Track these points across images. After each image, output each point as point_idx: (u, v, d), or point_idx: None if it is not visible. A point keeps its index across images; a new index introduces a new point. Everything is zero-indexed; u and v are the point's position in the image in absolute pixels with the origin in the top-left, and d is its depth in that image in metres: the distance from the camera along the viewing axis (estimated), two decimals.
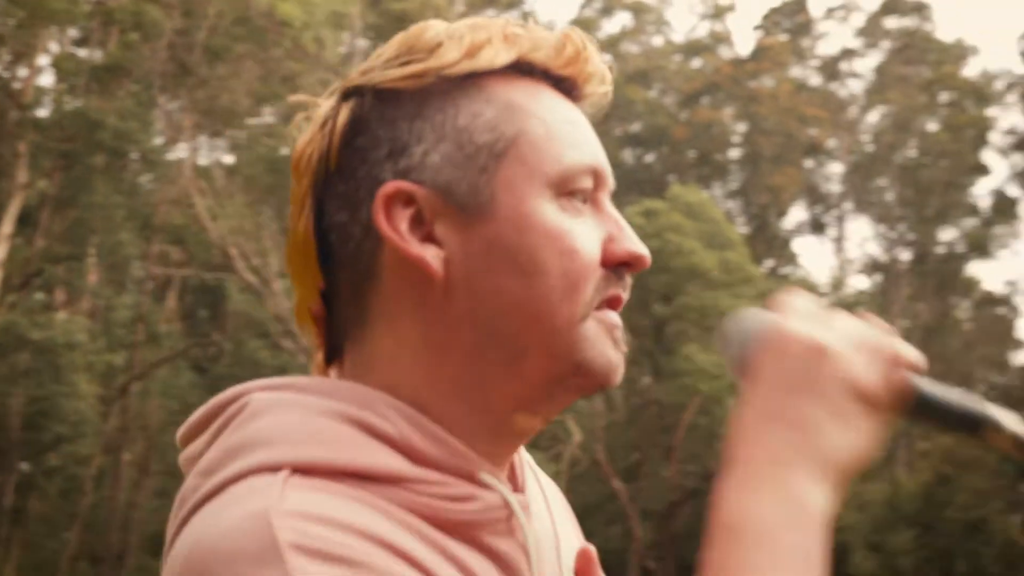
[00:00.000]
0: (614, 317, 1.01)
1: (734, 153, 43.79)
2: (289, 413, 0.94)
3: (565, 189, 0.99)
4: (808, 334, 0.92)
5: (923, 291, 40.62)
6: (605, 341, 0.99)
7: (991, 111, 40.07)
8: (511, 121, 1.00)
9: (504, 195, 0.98)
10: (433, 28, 1.01)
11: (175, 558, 0.89)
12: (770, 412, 0.91)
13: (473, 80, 1.00)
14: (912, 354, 0.93)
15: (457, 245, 0.97)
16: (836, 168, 45.08)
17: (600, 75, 1.06)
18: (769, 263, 42.59)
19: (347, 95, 1.02)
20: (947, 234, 40.34)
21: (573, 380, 0.99)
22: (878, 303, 41.07)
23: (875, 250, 43.62)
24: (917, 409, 0.93)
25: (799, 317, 0.94)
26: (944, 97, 41.73)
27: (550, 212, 0.98)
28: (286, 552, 0.82)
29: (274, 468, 0.90)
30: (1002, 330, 37.93)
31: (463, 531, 0.94)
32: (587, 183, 1.00)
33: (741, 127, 43.02)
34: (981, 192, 40.45)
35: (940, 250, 40.68)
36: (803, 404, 0.90)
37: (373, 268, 0.99)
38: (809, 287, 38.97)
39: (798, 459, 0.89)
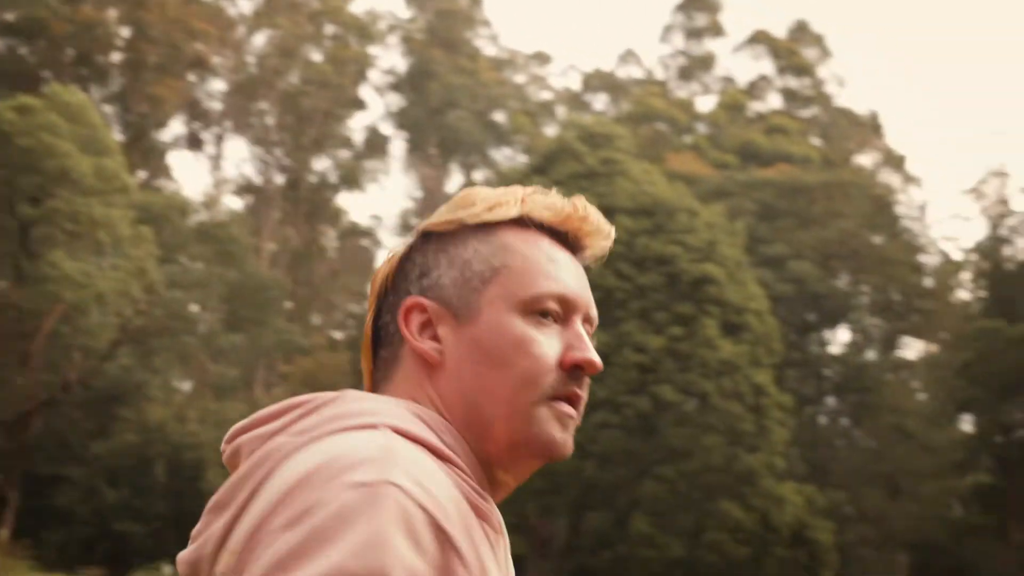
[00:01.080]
0: (567, 408, 1.44)
1: (116, 57, 45.16)
2: (379, 402, 1.40)
3: (534, 308, 1.44)
4: None
5: (294, 216, 44.63)
6: (553, 424, 1.43)
7: (373, 49, 45.03)
8: (500, 256, 1.46)
9: (487, 309, 1.44)
10: (476, 191, 1.52)
11: (291, 471, 1.28)
12: None
13: (487, 228, 1.48)
14: None
15: (451, 342, 1.44)
16: (219, 86, 47.83)
17: (599, 232, 1.53)
18: (143, 174, 44.62)
19: (414, 235, 1.52)
20: (321, 163, 44.53)
21: (525, 450, 1.43)
22: (249, 225, 44.55)
23: (250, 172, 47.06)
24: None
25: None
26: (330, 29, 45.95)
27: (519, 324, 1.43)
28: (393, 467, 1.25)
29: (375, 426, 1.33)
30: (365, 261, 43.10)
31: (480, 517, 1.35)
32: (553, 306, 1.45)
33: (126, 31, 44.49)
34: (356, 126, 45.29)
35: (313, 178, 44.89)
36: None
37: (398, 352, 1.48)
38: (182, 203, 41.60)
39: None
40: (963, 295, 53.87)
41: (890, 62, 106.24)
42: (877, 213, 47.98)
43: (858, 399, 44.78)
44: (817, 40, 58.85)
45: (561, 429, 1.45)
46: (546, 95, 53.51)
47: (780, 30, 61.95)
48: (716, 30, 59.53)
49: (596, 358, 1.46)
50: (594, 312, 1.51)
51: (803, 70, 58.72)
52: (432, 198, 40.56)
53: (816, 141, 56.24)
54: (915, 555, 42.75)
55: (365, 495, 1.21)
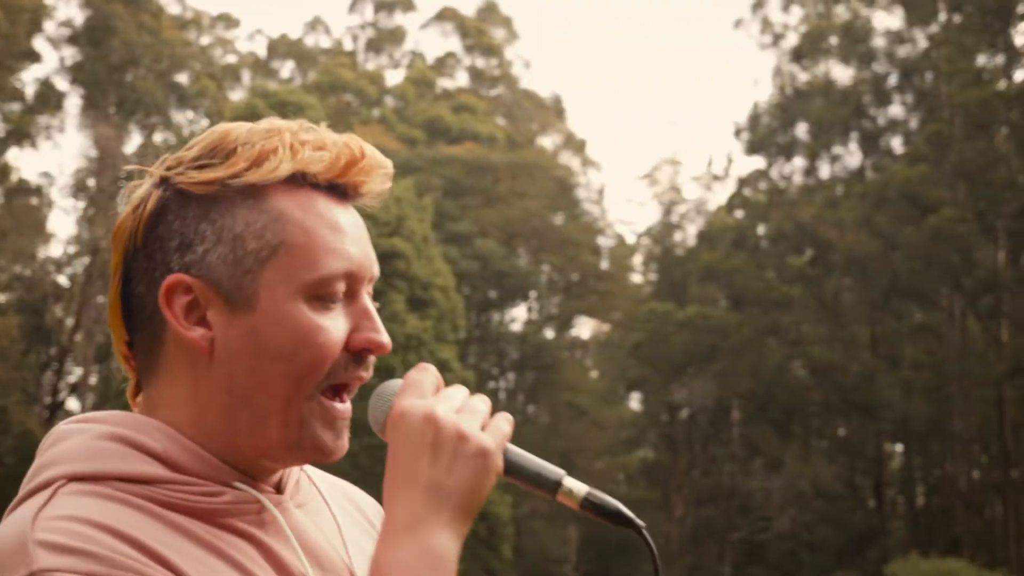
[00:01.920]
0: (338, 408, 1.37)
1: None
2: (75, 438, 1.32)
3: (317, 292, 1.32)
4: (421, 407, 1.28)
5: None
6: (324, 430, 1.36)
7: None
8: (276, 231, 1.31)
9: (264, 294, 1.31)
10: (233, 133, 1.35)
11: None
12: (403, 478, 1.27)
13: (254, 190, 1.32)
14: (504, 426, 1.33)
15: (222, 330, 1.32)
16: None
17: (379, 176, 1.39)
18: None
19: (160, 184, 1.36)
20: None
21: (297, 452, 1.36)
22: None
23: None
24: (507, 469, 1.33)
25: (415, 393, 1.31)
26: None
27: (302, 311, 1.31)
28: (33, 549, 1.19)
29: (51, 483, 1.27)
30: (34, 221, 42.18)
31: (217, 518, 1.31)
32: (339, 287, 1.33)
33: None
34: (29, 79, 44.12)
35: None
36: (425, 466, 1.27)
37: (160, 335, 1.35)
38: None
39: (427, 515, 1.26)
40: (636, 278, 57.88)
41: (574, 48, 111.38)
42: (558, 195, 50.88)
43: (536, 376, 47.49)
44: (505, 21, 61.44)
45: (333, 435, 1.39)
46: (231, 59, 53.77)
47: (469, 9, 64.38)
48: (406, 4, 61.12)
49: (385, 338, 1.40)
50: (376, 270, 1.44)
51: (490, 50, 61.26)
52: (109, 158, 40.25)
53: (501, 121, 58.88)
54: (584, 528, 45.91)
55: None
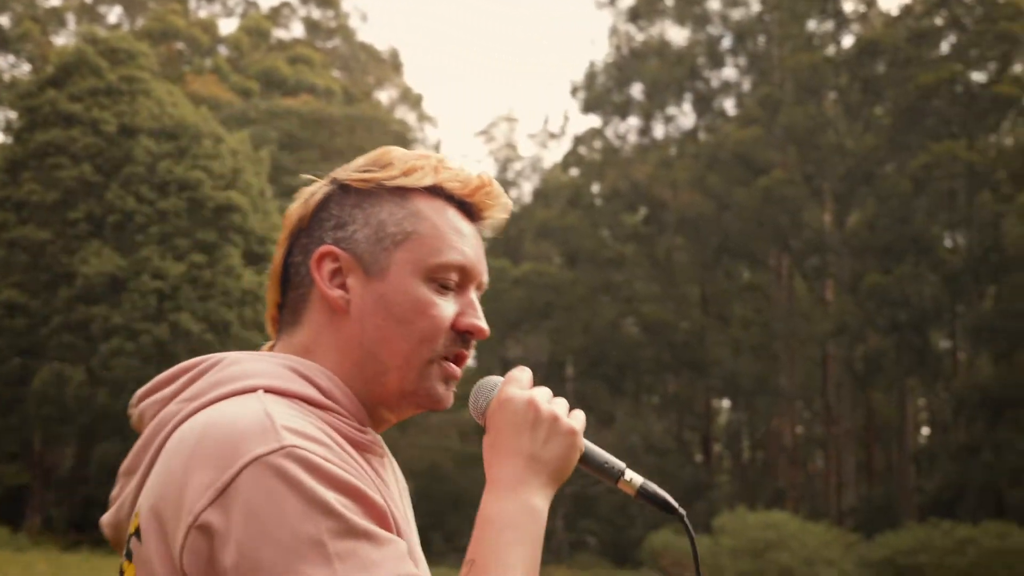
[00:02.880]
0: (454, 369, 1.67)
1: None
2: (258, 363, 1.59)
3: (436, 275, 1.64)
4: (524, 394, 1.63)
5: None
6: (439, 382, 1.65)
7: None
8: (412, 222, 1.64)
9: (395, 268, 1.63)
10: (392, 152, 1.70)
11: (182, 442, 1.49)
12: (507, 449, 1.59)
13: (401, 191, 1.66)
14: (582, 418, 1.66)
15: (358, 293, 1.63)
16: None
17: (500, 205, 1.74)
18: None
19: (330, 182, 1.71)
20: None
21: (412, 399, 1.65)
22: None
23: None
24: (582, 456, 1.63)
25: (518, 385, 1.65)
26: None
27: (421, 287, 1.63)
28: (280, 429, 1.45)
29: (251, 390, 1.53)
30: None
31: (364, 451, 1.60)
32: (452, 275, 1.65)
33: None
34: None
35: None
36: (526, 440, 1.60)
37: (307, 295, 1.66)
38: None
39: (527, 478, 1.57)
40: None
41: (411, 2, 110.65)
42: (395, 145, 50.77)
43: None
44: None
45: (445, 387, 1.68)
46: (55, 2, 52.27)
47: None
48: None
49: (484, 325, 1.69)
50: (486, 279, 1.74)
51: (326, 1, 60.72)
52: None
53: (338, 74, 58.45)
54: (420, 482, 46.20)
55: (269, 469, 1.42)
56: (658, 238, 48.33)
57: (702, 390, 49.30)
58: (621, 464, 1.68)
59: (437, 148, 59.67)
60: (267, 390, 1.55)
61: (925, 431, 49.04)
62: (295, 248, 1.71)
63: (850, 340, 42.82)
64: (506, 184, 57.36)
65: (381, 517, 1.48)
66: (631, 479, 1.66)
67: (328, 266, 1.66)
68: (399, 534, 1.54)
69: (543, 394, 1.67)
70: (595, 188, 52.60)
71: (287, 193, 45.71)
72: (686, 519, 1.67)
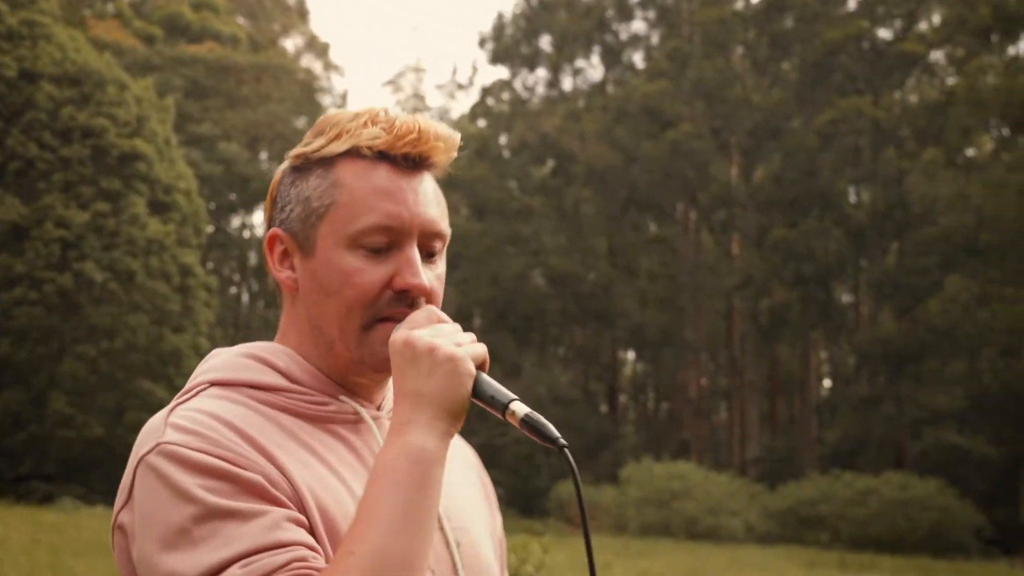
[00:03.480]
0: (391, 328, 1.65)
1: None
2: (221, 356, 1.72)
3: (358, 242, 1.64)
4: (406, 334, 1.60)
5: None
6: (380, 345, 1.65)
7: None
8: (331, 194, 1.66)
9: (321, 243, 1.66)
10: (329, 119, 1.72)
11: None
12: (396, 391, 1.59)
13: (325, 162, 1.68)
14: (478, 349, 1.62)
15: (300, 272, 1.68)
16: None
17: (436, 148, 1.71)
18: None
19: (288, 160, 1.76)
20: None
21: (364, 365, 1.68)
22: None
23: None
24: (473, 390, 1.61)
25: (407, 325, 1.63)
26: None
27: (346, 257, 1.64)
28: (165, 427, 1.56)
29: (197, 387, 1.66)
30: None
31: (320, 422, 1.67)
32: (378, 238, 1.65)
33: None
34: None
35: None
36: (407, 378, 1.58)
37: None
38: None
39: (411, 416, 1.56)
40: None
41: None
42: (302, 98, 50.37)
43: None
44: None
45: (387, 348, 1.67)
46: None
47: None
48: None
49: (418, 281, 1.67)
50: (438, 228, 1.73)
51: None
52: None
53: (243, 21, 57.66)
54: None
55: (147, 467, 1.55)
56: (566, 190, 48.50)
57: (608, 342, 49.74)
58: (510, 395, 1.63)
59: (344, 98, 59.29)
60: (213, 383, 1.67)
61: (827, 383, 49.94)
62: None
63: (755, 293, 43.42)
64: None
65: (256, 490, 1.53)
66: (515, 410, 1.61)
67: (277, 249, 1.73)
68: (300, 499, 1.57)
69: (429, 330, 1.63)
70: (503, 140, 52.60)
71: (193, 142, 45.33)
72: (567, 452, 1.60)
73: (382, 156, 1.70)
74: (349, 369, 1.71)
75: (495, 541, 1.90)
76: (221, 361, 1.72)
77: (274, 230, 1.73)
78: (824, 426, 44.44)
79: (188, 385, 1.70)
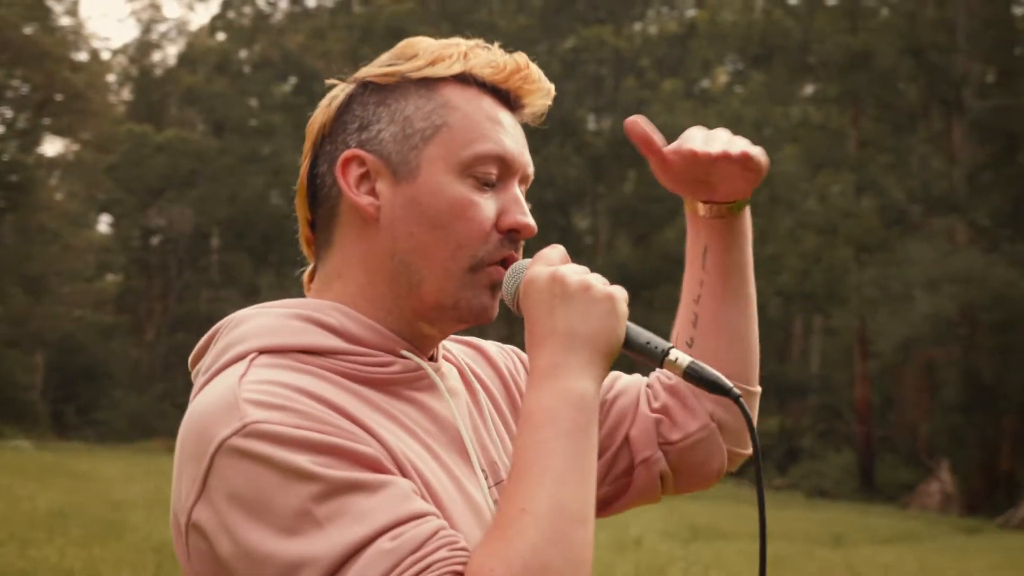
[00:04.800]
0: (502, 273, 1.55)
1: None
2: (258, 319, 1.52)
3: (471, 171, 1.52)
4: (549, 270, 1.48)
5: None
6: (484, 291, 1.54)
7: None
8: (441, 114, 1.52)
9: (426, 167, 1.51)
10: (417, 43, 1.60)
11: (179, 437, 1.44)
12: (541, 332, 1.46)
13: (428, 83, 1.55)
14: (622, 291, 1.50)
15: (388, 199, 1.52)
16: None
17: (540, 91, 1.62)
18: None
19: (352, 82, 1.61)
20: None
21: (452, 313, 1.54)
22: None
23: None
24: (624, 339, 1.49)
25: (543, 262, 1.51)
26: None
27: (456, 185, 1.51)
28: (243, 406, 1.36)
29: (244, 355, 1.46)
30: None
31: (388, 386, 1.51)
32: (491, 168, 1.53)
33: None
34: None
35: None
36: (559, 317, 1.45)
37: (336, 208, 1.56)
38: None
39: (566, 358, 1.43)
40: (111, 97, 55.86)
41: None
42: (32, 4, 47.94)
43: (4, 196, 45.15)
44: None
45: (491, 296, 1.57)
46: None
47: None
48: None
49: (531, 222, 1.58)
50: (531, 171, 1.62)
51: None
52: None
53: None
54: (53, 354, 44.68)
55: (236, 452, 1.36)
56: (308, 109, 47.31)
57: None
58: (666, 343, 1.53)
59: (76, 4, 56.73)
60: (261, 351, 1.48)
61: None
62: (320, 158, 1.61)
63: None
64: (149, 47, 55.38)
65: (371, 463, 1.38)
66: (676, 359, 1.51)
67: (354, 171, 1.56)
68: (404, 472, 1.44)
69: (573, 268, 1.51)
70: (244, 55, 51.39)
71: None
72: (741, 400, 1.50)
73: (487, 89, 1.60)
74: (430, 314, 1.56)
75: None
76: (261, 326, 1.51)
77: (353, 151, 1.56)
78: None
79: (227, 356, 1.49)
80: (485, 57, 1.60)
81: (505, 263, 1.57)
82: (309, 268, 1.66)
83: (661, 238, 40.50)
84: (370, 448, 1.39)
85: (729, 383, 1.50)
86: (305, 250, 1.66)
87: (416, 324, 1.57)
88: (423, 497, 1.43)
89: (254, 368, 1.44)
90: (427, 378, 1.58)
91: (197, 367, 1.57)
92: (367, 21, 46.87)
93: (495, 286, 1.57)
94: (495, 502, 1.57)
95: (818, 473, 35.54)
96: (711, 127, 1.71)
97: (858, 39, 37.58)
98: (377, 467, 1.38)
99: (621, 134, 43.09)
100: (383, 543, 1.32)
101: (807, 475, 35.60)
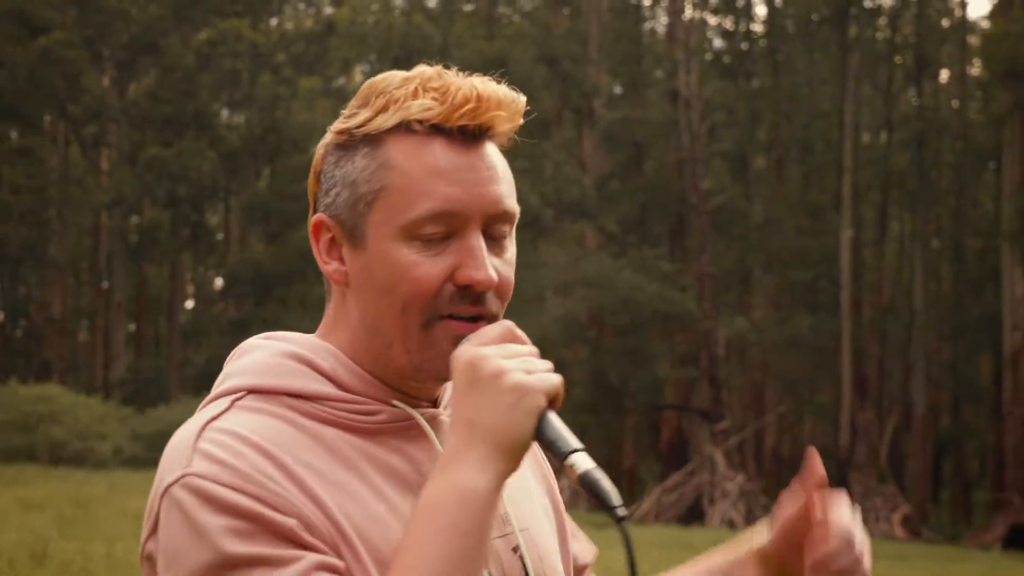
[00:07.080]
0: (457, 326, 1.47)
1: None
2: (259, 353, 1.53)
3: (413, 234, 1.45)
4: (471, 352, 1.39)
5: None
6: (444, 349, 1.45)
7: None
8: (380, 177, 1.46)
9: (372, 233, 1.47)
10: (376, 85, 1.50)
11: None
12: (455, 416, 1.40)
13: (372, 140, 1.48)
14: (554, 380, 1.40)
15: (350, 265, 1.49)
16: None
17: (500, 117, 1.49)
18: None
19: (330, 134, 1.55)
20: None
21: (423, 372, 1.49)
22: None
23: None
24: (537, 430, 1.38)
25: (476, 340, 1.42)
26: None
27: (401, 250, 1.45)
28: (193, 453, 1.40)
29: (233, 391, 1.48)
30: None
31: (374, 435, 1.49)
32: (435, 228, 1.45)
33: None
34: None
35: None
36: (466, 404, 1.38)
37: None
38: None
39: (462, 451, 1.37)
40: None
41: None
42: None
43: None
44: None
45: (453, 348, 1.47)
46: None
47: None
48: None
49: (483, 275, 1.47)
50: (504, 208, 1.51)
51: None
52: None
53: None
54: None
55: (170, 500, 1.40)
56: None
57: None
58: (574, 444, 1.40)
59: None
60: (250, 390, 1.49)
61: (189, 305, 50.22)
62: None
63: (126, 211, 42.65)
64: None
65: (287, 534, 1.37)
66: (576, 463, 1.39)
67: (324, 237, 1.54)
68: (344, 538, 1.42)
69: (500, 350, 1.40)
70: None
71: None
72: (625, 524, 1.38)
73: (436, 130, 1.48)
74: (408, 373, 1.51)
75: (556, 520, 1.72)
76: (259, 362, 1.53)
77: (319, 216, 1.54)
78: (190, 347, 44.69)
79: (223, 387, 1.52)
80: (429, 97, 1.48)
81: (462, 316, 1.49)
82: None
83: (295, 236, 40.31)
84: (291, 520, 1.38)
85: (617, 501, 1.38)
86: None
87: (401, 381, 1.54)
88: (356, 558, 1.42)
89: (233, 411, 1.47)
90: (418, 427, 1.54)
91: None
92: None
93: (458, 340, 1.47)
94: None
95: None
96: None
97: (494, 46, 38.67)
98: (292, 538, 1.38)
99: (256, 129, 42.94)
100: None
101: None
